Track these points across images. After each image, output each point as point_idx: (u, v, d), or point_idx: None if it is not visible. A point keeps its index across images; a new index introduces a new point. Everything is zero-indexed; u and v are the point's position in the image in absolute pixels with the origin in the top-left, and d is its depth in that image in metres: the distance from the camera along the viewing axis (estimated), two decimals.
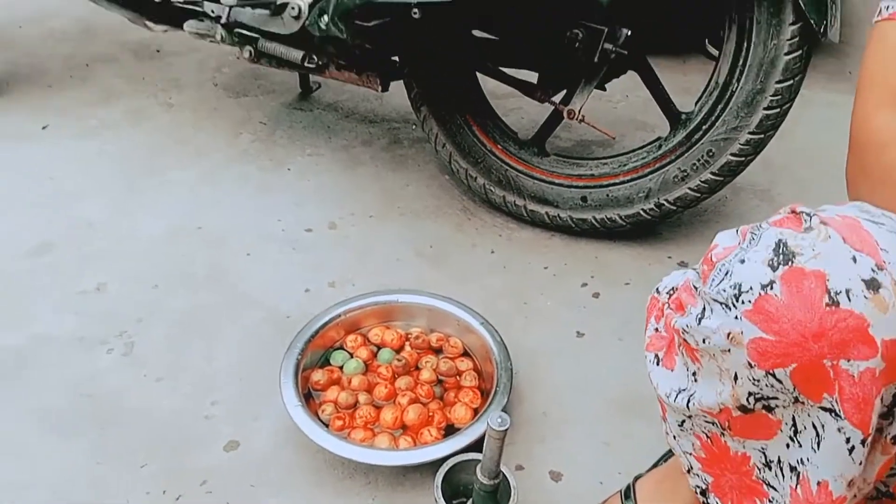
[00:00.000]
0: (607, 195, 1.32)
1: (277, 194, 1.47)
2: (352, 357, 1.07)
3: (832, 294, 0.47)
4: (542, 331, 1.19)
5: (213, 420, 1.01)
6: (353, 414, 0.98)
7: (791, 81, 1.16)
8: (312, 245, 1.35)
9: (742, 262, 0.51)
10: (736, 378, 0.52)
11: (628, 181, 1.31)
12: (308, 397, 1.01)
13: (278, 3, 1.21)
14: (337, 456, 0.90)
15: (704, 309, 0.53)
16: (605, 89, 1.32)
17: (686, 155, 1.26)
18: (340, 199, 1.46)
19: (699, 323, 0.53)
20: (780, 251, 0.50)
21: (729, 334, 0.50)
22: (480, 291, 1.26)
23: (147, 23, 1.44)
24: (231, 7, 1.21)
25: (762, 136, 1.20)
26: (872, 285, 0.46)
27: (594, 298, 1.27)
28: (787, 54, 1.14)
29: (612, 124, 1.69)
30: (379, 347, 1.09)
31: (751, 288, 0.49)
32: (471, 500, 0.85)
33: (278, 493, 0.92)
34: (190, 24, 1.34)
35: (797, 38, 1.13)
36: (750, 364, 0.50)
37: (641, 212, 1.30)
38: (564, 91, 1.31)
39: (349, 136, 1.66)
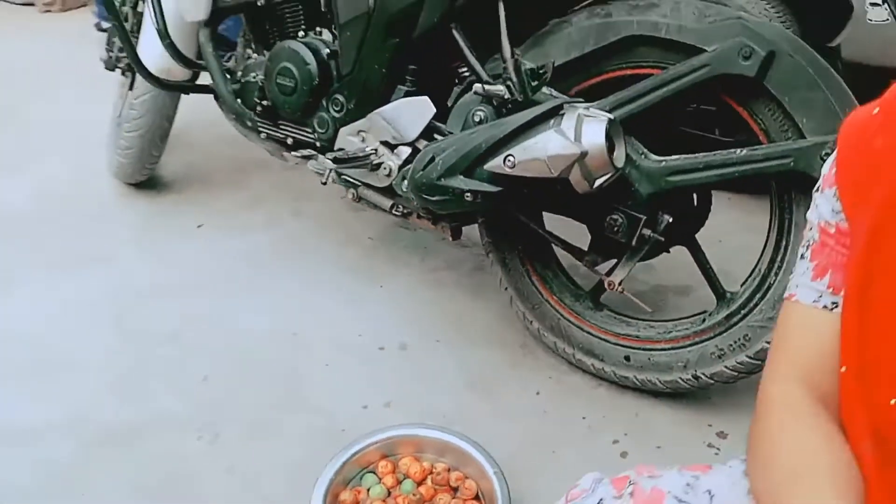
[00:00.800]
0: (648, 358, 1.40)
1: (365, 309, 1.69)
2: (379, 482, 1.24)
3: None
4: (560, 483, 1.27)
5: None
6: None
7: None
8: (381, 363, 1.55)
9: None
10: None
11: (668, 349, 1.38)
12: None
13: (374, 163, 1.45)
14: None
15: None
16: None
17: (725, 334, 1.32)
18: (416, 321, 1.66)
19: None
20: None
21: None
22: (516, 432, 1.38)
23: (283, 154, 1.74)
24: (333, 167, 1.46)
25: None
26: None
27: (621, 458, 1.35)
28: None
29: (674, 284, 1.75)
30: (405, 477, 1.25)
31: None
32: None
33: None
34: (311, 164, 1.61)
35: None
36: None
37: (679, 380, 1.37)
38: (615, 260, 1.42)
39: (439, 259, 1.86)
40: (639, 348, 1.42)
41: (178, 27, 1.70)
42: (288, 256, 1.87)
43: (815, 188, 0.68)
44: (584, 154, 1.10)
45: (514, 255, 1.52)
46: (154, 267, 1.82)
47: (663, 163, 1.23)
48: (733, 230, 1.93)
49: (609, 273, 1.37)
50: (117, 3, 1.82)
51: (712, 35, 1.16)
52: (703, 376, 1.34)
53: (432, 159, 1.28)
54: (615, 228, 1.27)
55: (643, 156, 1.24)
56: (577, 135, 1.11)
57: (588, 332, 1.47)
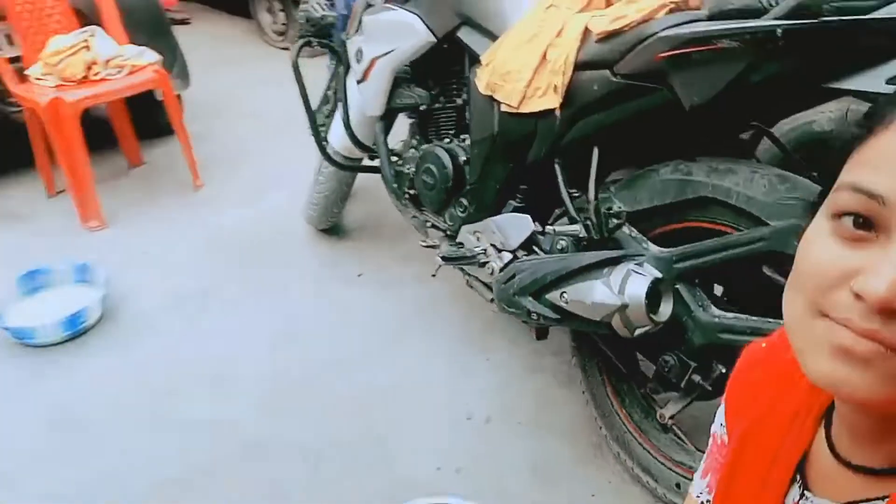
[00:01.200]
0: None
1: (468, 378, 1.92)
2: None
3: None
4: None
5: None
6: None
7: None
8: (464, 431, 1.77)
9: None
10: None
11: None
12: None
13: (482, 261, 1.68)
14: None
15: None
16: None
17: None
18: (508, 398, 1.85)
19: None
20: None
21: None
22: None
23: (426, 230, 2.03)
24: (441, 264, 1.71)
25: None
26: None
27: None
28: None
29: None
30: None
31: None
32: None
33: None
34: (440, 249, 1.88)
35: None
36: None
37: None
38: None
39: (548, 344, 2.02)
40: (690, 479, 1.48)
41: (359, 119, 2.07)
42: (421, 317, 2.16)
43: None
44: (624, 306, 1.23)
45: (594, 363, 1.66)
46: (315, 306, 2.21)
47: (717, 318, 1.31)
48: None
49: (664, 405, 1.46)
50: (328, 89, 2.25)
51: (776, 212, 1.22)
52: None
53: (513, 276, 1.48)
54: (667, 368, 1.37)
55: (702, 308, 1.33)
56: (621, 288, 1.24)
57: (647, 451, 1.56)
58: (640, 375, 1.56)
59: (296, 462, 1.69)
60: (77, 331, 2.06)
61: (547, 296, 1.37)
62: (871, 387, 0.48)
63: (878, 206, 0.48)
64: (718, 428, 0.75)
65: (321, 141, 2.09)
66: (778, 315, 1.20)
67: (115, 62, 2.67)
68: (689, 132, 1.39)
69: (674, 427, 1.51)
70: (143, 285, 2.30)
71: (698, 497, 0.77)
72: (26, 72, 2.63)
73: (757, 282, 1.40)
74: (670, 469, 1.52)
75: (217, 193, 2.87)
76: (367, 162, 2.22)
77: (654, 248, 1.37)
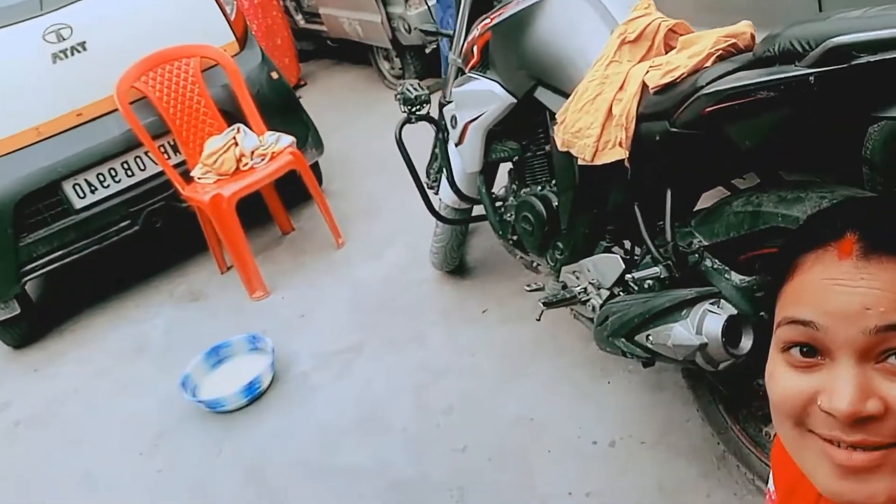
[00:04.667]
0: None
1: (591, 403, 2.06)
2: None
3: None
4: None
5: None
6: None
7: None
8: (591, 456, 1.91)
9: None
10: None
11: None
12: None
13: (583, 300, 1.82)
14: None
15: None
16: None
17: None
18: (630, 420, 1.97)
19: None
20: None
21: None
22: None
23: (537, 267, 2.20)
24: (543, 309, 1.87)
25: None
26: None
27: None
28: None
29: None
30: None
31: None
32: None
33: None
34: (543, 292, 2.03)
35: None
36: None
37: None
38: None
39: None
40: None
41: (462, 175, 2.28)
42: (543, 347, 2.32)
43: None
44: (703, 345, 1.33)
45: (702, 383, 1.74)
46: (448, 348, 2.44)
47: None
48: None
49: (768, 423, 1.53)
50: (435, 148, 2.48)
51: None
52: None
53: (606, 319, 1.61)
54: (761, 392, 1.44)
55: None
56: (698, 328, 1.34)
57: (766, 463, 1.62)
58: (747, 394, 1.62)
59: (442, 496, 1.92)
60: (254, 395, 2.44)
61: (636, 337, 1.49)
62: (885, 489, 0.54)
63: (814, 332, 0.58)
64: (771, 484, 0.82)
65: (430, 203, 2.32)
66: None
67: (259, 151, 3.08)
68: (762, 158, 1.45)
69: None
70: (303, 347, 2.65)
71: None
72: (191, 174, 3.10)
73: None
74: None
75: (356, 250, 3.19)
76: (475, 211, 2.42)
77: (735, 278, 1.45)
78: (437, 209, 2.35)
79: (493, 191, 2.26)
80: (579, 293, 1.81)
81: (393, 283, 2.87)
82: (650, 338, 1.44)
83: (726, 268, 1.49)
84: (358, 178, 3.86)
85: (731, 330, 1.34)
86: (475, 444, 2.05)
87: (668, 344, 1.38)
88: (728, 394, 1.63)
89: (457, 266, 2.76)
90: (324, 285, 3.02)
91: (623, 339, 1.55)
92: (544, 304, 1.84)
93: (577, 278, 1.85)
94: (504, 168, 2.25)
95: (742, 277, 1.44)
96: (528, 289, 2.01)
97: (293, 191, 3.49)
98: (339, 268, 3.11)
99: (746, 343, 1.35)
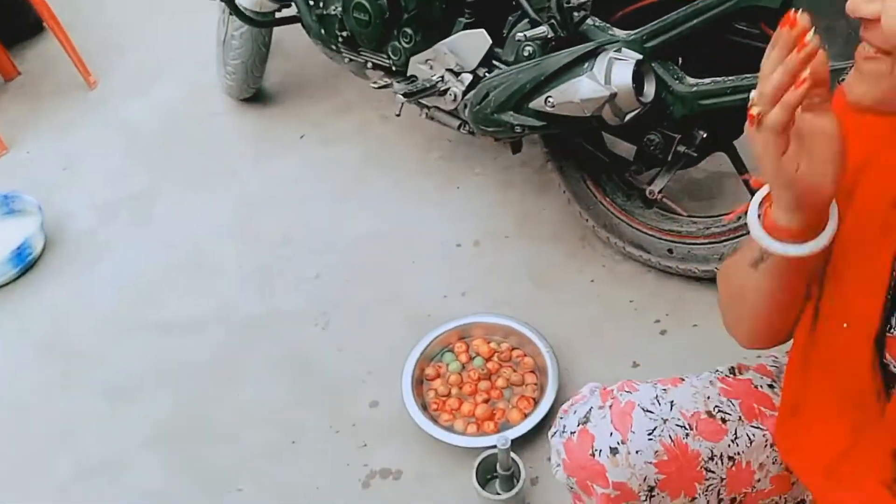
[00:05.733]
0: (689, 251, 1.60)
1: (445, 210, 1.95)
2: (455, 359, 1.56)
3: (594, 449, 0.84)
4: (606, 357, 1.56)
5: (366, 384, 1.59)
6: (445, 401, 1.49)
7: None
8: (458, 258, 1.82)
9: (574, 412, 0.89)
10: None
11: (707, 243, 1.57)
12: (421, 382, 1.53)
13: (441, 89, 1.64)
14: (424, 432, 1.43)
15: (556, 430, 0.90)
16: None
17: None
18: (488, 219, 1.90)
19: (551, 437, 0.91)
20: (586, 415, 0.87)
21: (557, 450, 0.88)
22: (570, 316, 1.65)
23: (366, 73, 1.95)
24: (403, 101, 1.67)
25: None
26: (613, 451, 0.83)
27: (661, 335, 1.60)
28: None
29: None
30: (476, 355, 1.56)
31: (567, 430, 0.88)
32: (497, 477, 1.33)
33: (392, 442, 1.48)
34: (395, 87, 1.82)
35: None
36: (562, 469, 0.88)
37: (716, 269, 1.57)
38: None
39: (512, 158, 2.05)
40: (680, 242, 1.61)
41: None
42: (378, 162, 2.13)
43: None
44: (613, 95, 1.26)
45: (571, 162, 1.71)
46: (266, 178, 2.14)
47: (695, 87, 1.35)
48: None
49: (650, 182, 1.55)
50: None
51: None
52: None
53: (487, 94, 1.46)
54: (652, 147, 1.43)
55: (678, 80, 1.37)
56: (606, 78, 1.26)
57: (636, 229, 1.66)
58: (620, 161, 1.62)
59: (305, 326, 1.72)
60: (26, 264, 1.94)
61: (530, 105, 1.38)
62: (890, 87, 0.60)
63: None
64: None
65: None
66: (745, 71, 1.22)
67: None
68: None
69: (657, 201, 1.60)
70: (77, 202, 2.15)
71: None
72: None
73: (718, 49, 1.45)
74: (660, 238, 1.64)
75: (119, 87, 2.61)
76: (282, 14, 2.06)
77: (621, 33, 1.38)
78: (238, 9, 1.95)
79: None
80: (437, 82, 1.64)
81: (176, 119, 2.41)
82: (550, 99, 1.33)
83: (608, 25, 1.41)
84: (93, 4, 3.12)
85: (638, 77, 1.28)
86: (328, 269, 1.85)
87: (576, 100, 1.28)
88: (607, 160, 1.61)
89: (255, 94, 2.39)
90: (80, 132, 2.44)
91: (511, 112, 1.43)
92: (404, 94, 1.63)
93: (431, 67, 1.66)
94: None
95: (628, 32, 1.37)
96: (374, 85, 1.77)
97: (8, 27, 2.73)
98: (96, 111, 2.52)
99: (650, 90, 1.31)
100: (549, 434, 0.92)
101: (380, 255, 1.87)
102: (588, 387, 0.94)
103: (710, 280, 1.64)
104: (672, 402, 0.87)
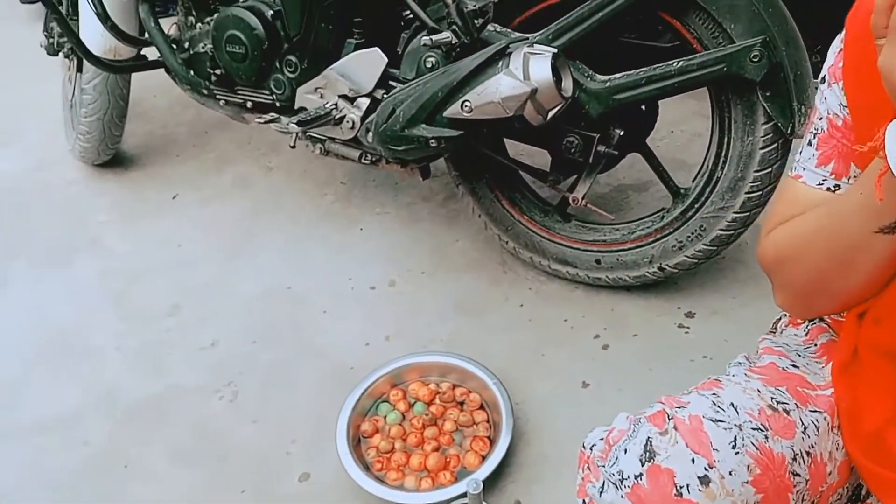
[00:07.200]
0: (617, 259, 1.54)
1: (350, 254, 1.79)
2: (393, 409, 1.38)
3: (678, 487, 0.66)
4: (553, 381, 1.44)
5: (292, 456, 1.36)
6: (389, 458, 1.30)
7: (769, 169, 1.32)
8: (375, 302, 1.66)
9: (625, 451, 0.69)
10: None
11: (634, 248, 1.51)
12: (358, 442, 1.33)
13: (337, 117, 1.51)
14: (373, 497, 1.23)
15: (604, 484, 0.70)
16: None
17: (682, 228, 1.45)
18: (400, 257, 1.76)
19: (600, 495, 0.71)
20: (647, 448, 0.69)
21: None
22: (506, 345, 1.52)
23: (244, 116, 1.78)
24: (297, 131, 1.51)
25: (747, 214, 1.38)
26: (704, 481, 0.66)
27: (603, 350, 1.51)
28: (762, 148, 1.31)
29: (633, 184, 1.86)
30: (415, 401, 1.39)
31: (629, 476, 0.68)
32: None
33: None
34: (275, 127, 1.66)
35: (770, 135, 1.29)
36: None
37: (647, 274, 1.51)
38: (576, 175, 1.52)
39: (412, 193, 1.95)
40: (607, 251, 1.55)
41: (116, 5, 1.71)
42: (267, 214, 1.94)
43: (821, 79, 0.73)
44: (534, 91, 1.18)
45: (482, 183, 1.62)
46: (138, 245, 1.88)
47: (608, 83, 1.31)
48: (686, 118, 2.05)
49: (571, 189, 1.48)
50: None
51: None
52: (667, 267, 1.48)
53: (393, 111, 1.35)
54: (572, 150, 1.37)
55: (589, 78, 1.32)
56: (525, 74, 1.18)
57: (559, 244, 1.59)
58: (536, 173, 1.55)
59: (208, 401, 1.47)
60: None
61: (444, 113, 1.27)
62: None
63: None
64: (837, 108, 0.71)
65: (80, 40, 1.69)
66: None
67: None
68: None
69: (582, 208, 1.52)
70: None
71: (819, 185, 0.74)
72: None
73: (612, 51, 1.43)
74: (586, 250, 1.57)
75: None
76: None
77: (524, 36, 1.32)
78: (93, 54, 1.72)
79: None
80: (331, 109, 1.50)
81: (23, 192, 2.10)
82: (467, 104, 1.23)
83: (509, 30, 1.35)
84: None
85: (555, 71, 1.21)
86: (228, 334, 1.62)
87: (496, 99, 1.19)
88: (520, 173, 1.53)
89: (114, 158, 2.13)
90: None
91: (423, 125, 1.31)
92: (298, 123, 1.47)
93: (322, 96, 1.53)
94: None
95: (532, 35, 1.32)
96: (260, 121, 1.60)
97: None
98: None
99: (568, 84, 1.24)
100: (593, 494, 0.72)
101: (285, 310, 1.66)
102: (622, 418, 0.75)
103: (640, 287, 1.58)
104: (732, 403, 0.73)
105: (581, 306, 1.60)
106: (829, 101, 0.72)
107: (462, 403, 1.39)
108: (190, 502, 1.31)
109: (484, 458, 1.27)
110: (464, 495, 1.16)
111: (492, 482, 1.26)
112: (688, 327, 1.53)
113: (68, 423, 1.45)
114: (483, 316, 1.60)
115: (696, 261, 1.46)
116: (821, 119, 0.74)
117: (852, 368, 0.77)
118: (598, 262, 1.56)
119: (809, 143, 0.76)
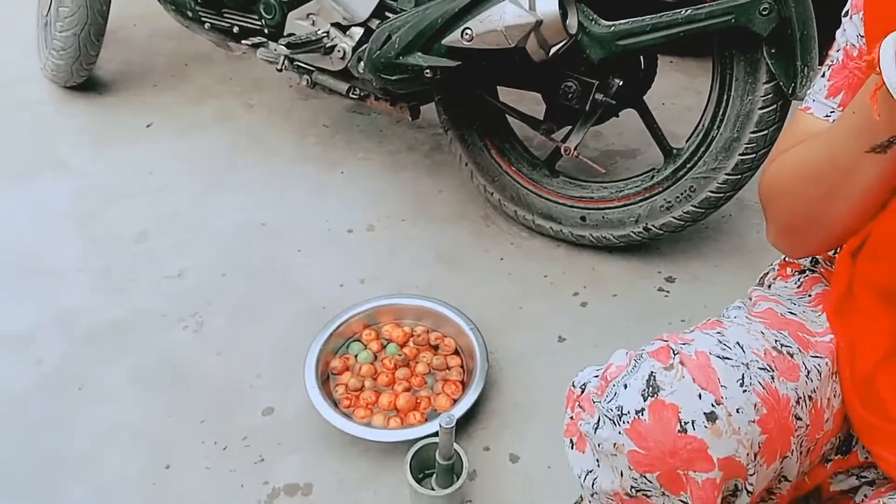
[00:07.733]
0: (603, 217, 1.51)
1: (329, 195, 1.74)
2: (365, 348, 1.34)
3: (682, 423, 0.63)
4: (530, 334, 1.41)
5: (256, 389, 1.32)
6: (358, 396, 1.26)
7: (766, 132, 1.30)
8: (351, 245, 1.61)
9: (625, 387, 0.66)
10: (622, 474, 0.67)
11: (621, 206, 1.49)
12: (326, 378, 1.29)
13: (328, 45, 1.45)
14: (340, 430, 1.19)
15: (599, 420, 0.67)
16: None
17: (672, 188, 1.42)
18: (381, 203, 1.71)
19: (595, 432, 0.67)
20: (650, 384, 0.65)
21: (615, 444, 0.66)
22: (484, 295, 1.49)
23: (229, 44, 1.71)
24: (286, 53, 1.45)
25: (739, 176, 1.35)
26: (711, 417, 0.63)
27: (582, 307, 1.48)
28: (761, 109, 1.28)
29: (623, 147, 1.83)
30: (388, 342, 1.35)
31: (629, 411, 0.65)
32: (434, 472, 1.12)
33: (297, 452, 1.22)
34: (261, 52, 1.60)
35: (770, 95, 1.27)
36: (629, 467, 0.65)
37: (632, 233, 1.48)
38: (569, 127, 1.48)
39: (397, 142, 1.90)
40: (593, 208, 1.52)
41: None
42: (246, 150, 1.87)
43: (844, 12, 0.72)
44: (539, 23, 1.14)
45: (473, 130, 1.57)
46: (109, 169, 1.81)
47: (613, 27, 1.27)
48: (677, 92, 2.02)
49: (564, 140, 1.44)
50: None
51: None
52: (653, 228, 1.46)
53: (389, 38, 1.29)
54: (569, 95, 1.33)
55: (594, 22, 1.28)
56: (531, 3, 1.14)
57: (545, 198, 1.55)
58: (530, 120, 1.50)
59: (171, 329, 1.41)
60: None
61: (443, 41, 1.22)
62: None
63: None
64: (855, 39, 0.70)
65: None
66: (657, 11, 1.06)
67: None
68: None
69: (574, 158, 1.48)
70: None
71: (826, 117, 0.73)
72: None
73: None
74: (572, 206, 1.53)
75: None
76: None
77: None
78: None
79: None
80: (322, 37, 1.44)
81: None
82: (468, 31, 1.18)
83: None
84: None
85: (561, 4, 1.16)
86: (196, 265, 1.55)
87: (499, 28, 1.14)
88: (511, 118, 1.48)
89: (87, 81, 2.03)
90: None
91: (419, 53, 1.26)
92: (287, 46, 1.41)
93: (314, 23, 1.47)
94: None
95: None
96: (247, 43, 1.53)
97: None
98: None
99: (574, 20, 1.20)
100: (587, 430, 0.68)
101: (258, 246, 1.61)
102: (620, 354, 0.71)
103: (622, 249, 1.56)
104: (738, 342, 0.70)
105: (562, 264, 1.57)
106: (848, 31, 0.72)
107: (436, 347, 1.35)
108: (145, 428, 1.25)
109: (455, 401, 1.24)
110: (433, 435, 1.13)
111: (461, 428, 1.23)
112: (667, 291, 1.51)
113: (21, 341, 1.39)
114: (462, 266, 1.57)
115: (682, 223, 1.43)
116: (838, 51, 0.74)
117: (847, 308, 0.75)
118: (583, 219, 1.53)
119: (823, 75, 0.75)
